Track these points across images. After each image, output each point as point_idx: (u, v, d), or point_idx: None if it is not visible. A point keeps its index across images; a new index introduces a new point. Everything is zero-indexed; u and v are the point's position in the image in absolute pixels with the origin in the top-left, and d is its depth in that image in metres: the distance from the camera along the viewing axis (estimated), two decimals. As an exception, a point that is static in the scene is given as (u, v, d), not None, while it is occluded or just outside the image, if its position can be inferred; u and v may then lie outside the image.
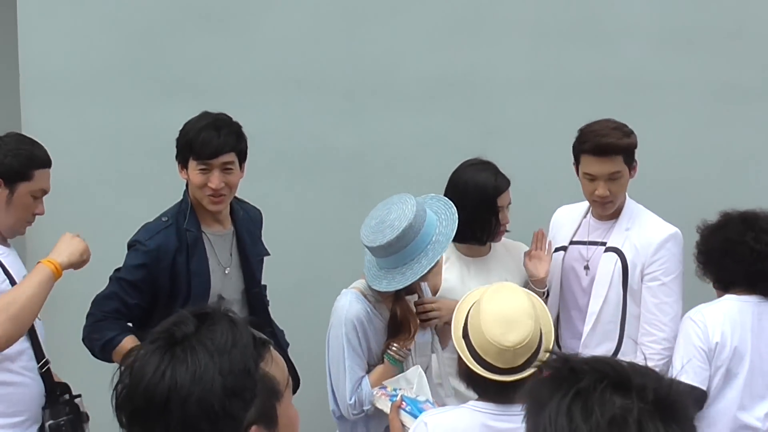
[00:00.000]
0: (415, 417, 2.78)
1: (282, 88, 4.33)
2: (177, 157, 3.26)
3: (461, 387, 3.40)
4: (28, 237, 4.25)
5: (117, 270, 3.27)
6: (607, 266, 3.45)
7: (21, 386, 3.10)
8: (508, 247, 3.69)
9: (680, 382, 1.30)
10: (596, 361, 1.28)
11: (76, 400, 3.23)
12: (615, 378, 1.25)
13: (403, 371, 3.10)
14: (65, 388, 3.23)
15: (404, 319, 3.11)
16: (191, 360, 1.37)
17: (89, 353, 3.27)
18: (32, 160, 3.18)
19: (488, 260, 3.62)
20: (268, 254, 3.51)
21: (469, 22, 4.40)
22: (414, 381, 2.99)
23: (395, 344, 3.10)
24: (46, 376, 3.16)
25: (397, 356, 3.11)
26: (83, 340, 3.25)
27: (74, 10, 4.25)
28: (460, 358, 2.51)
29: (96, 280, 3.32)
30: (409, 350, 3.13)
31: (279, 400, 1.45)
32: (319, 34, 4.34)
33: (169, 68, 4.29)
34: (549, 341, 2.51)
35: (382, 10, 4.36)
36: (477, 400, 2.49)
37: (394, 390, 2.95)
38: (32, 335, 3.13)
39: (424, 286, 3.32)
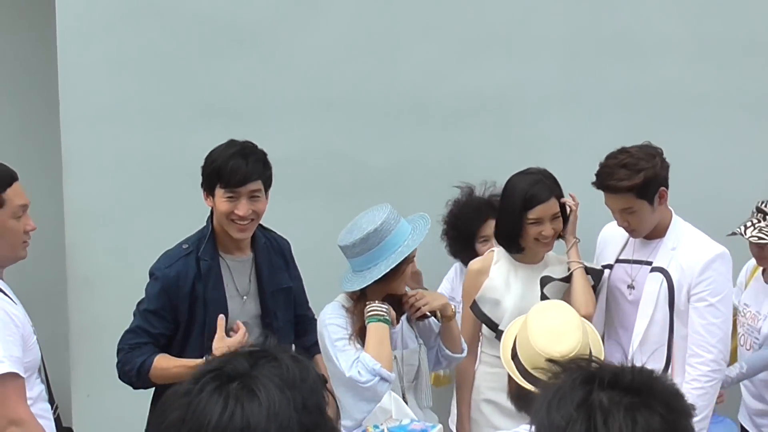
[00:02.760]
0: None
1: (315, 110, 4.35)
2: (203, 184, 3.26)
3: (501, 400, 3.39)
4: (67, 262, 4.32)
5: (139, 303, 3.30)
6: (652, 286, 3.42)
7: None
8: (563, 261, 3.63)
9: (648, 370, 1.44)
10: (575, 364, 1.47)
11: None
12: (583, 373, 1.43)
13: (391, 327, 3.09)
14: None
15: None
16: (263, 395, 1.28)
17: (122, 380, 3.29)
18: None
19: (539, 268, 3.58)
20: (289, 285, 3.46)
21: (501, 39, 4.40)
22: (391, 407, 2.92)
23: (371, 303, 3.10)
24: (57, 420, 2.96)
25: (377, 312, 3.08)
26: (119, 377, 3.27)
27: (111, 36, 4.32)
28: (510, 378, 2.50)
29: (134, 303, 3.35)
30: (387, 306, 3.12)
31: None
32: (351, 55, 4.37)
33: (204, 92, 4.33)
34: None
35: (414, 29, 4.38)
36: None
37: (375, 427, 2.84)
38: (46, 379, 2.89)
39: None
